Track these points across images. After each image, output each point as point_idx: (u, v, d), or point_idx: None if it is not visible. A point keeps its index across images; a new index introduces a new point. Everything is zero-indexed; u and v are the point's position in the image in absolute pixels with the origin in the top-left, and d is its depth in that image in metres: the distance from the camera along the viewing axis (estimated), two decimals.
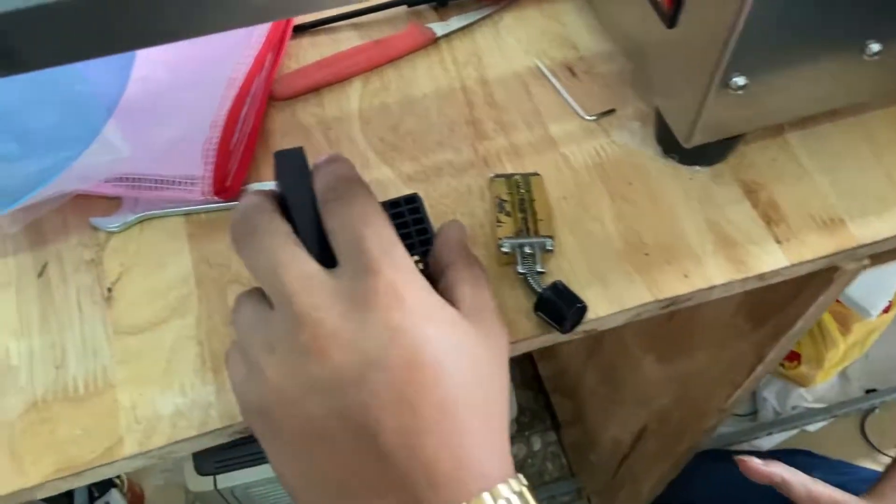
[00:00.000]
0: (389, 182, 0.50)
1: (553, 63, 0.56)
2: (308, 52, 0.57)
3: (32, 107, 0.47)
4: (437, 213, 0.48)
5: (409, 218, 0.46)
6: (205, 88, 0.50)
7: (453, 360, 0.29)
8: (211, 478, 0.93)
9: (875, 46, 0.43)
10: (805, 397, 1.41)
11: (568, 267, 0.47)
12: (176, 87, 0.50)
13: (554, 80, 0.55)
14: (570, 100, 0.54)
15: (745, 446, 1.38)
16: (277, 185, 0.35)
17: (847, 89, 0.46)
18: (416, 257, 0.44)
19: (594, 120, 0.53)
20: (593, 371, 1.01)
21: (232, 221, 0.33)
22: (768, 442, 1.43)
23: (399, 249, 0.31)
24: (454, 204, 0.49)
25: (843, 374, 1.47)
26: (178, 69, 0.51)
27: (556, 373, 1.28)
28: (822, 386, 1.43)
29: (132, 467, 0.41)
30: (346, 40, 0.57)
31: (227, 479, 0.95)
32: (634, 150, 0.52)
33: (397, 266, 0.30)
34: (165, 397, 0.42)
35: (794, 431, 1.46)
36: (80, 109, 0.46)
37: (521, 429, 1.34)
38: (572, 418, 1.19)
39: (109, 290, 0.45)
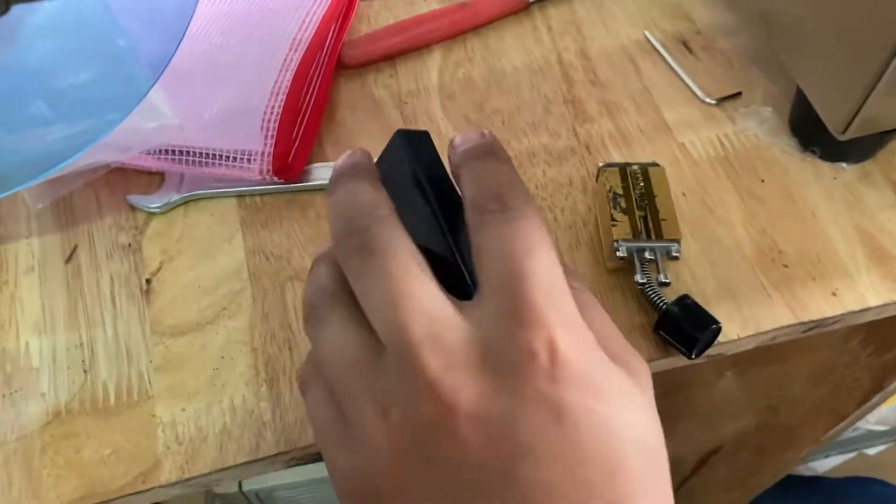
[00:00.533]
0: None
1: (665, 37, 0.48)
2: (381, 15, 0.49)
3: (66, 64, 0.40)
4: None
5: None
6: (266, 50, 0.42)
7: (629, 446, 0.22)
8: (237, 480, 0.87)
9: None
10: (867, 419, 1.31)
11: (690, 278, 0.39)
12: (232, 49, 0.43)
13: (667, 56, 0.47)
14: (686, 79, 0.46)
15: (800, 469, 1.29)
16: (388, 177, 0.27)
17: None
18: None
19: (716, 104, 0.45)
20: (654, 379, 0.93)
21: (333, 217, 0.25)
22: (823, 465, 1.34)
23: (566, 295, 0.23)
24: (552, 197, 0.42)
25: None
26: (235, 28, 0.44)
27: None
28: (885, 408, 1.34)
29: (169, 496, 0.34)
30: (424, 3, 0.50)
31: (254, 482, 0.89)
32: (765, 141, 0.44)
33: (564, 319, 0.22)
34: (212, 414, 0.35)
35: (853, 454, 1.36)
36: (122, 68, 0.39)
37: None
38: None
39: (148, 281, 0.38)
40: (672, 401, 0.91)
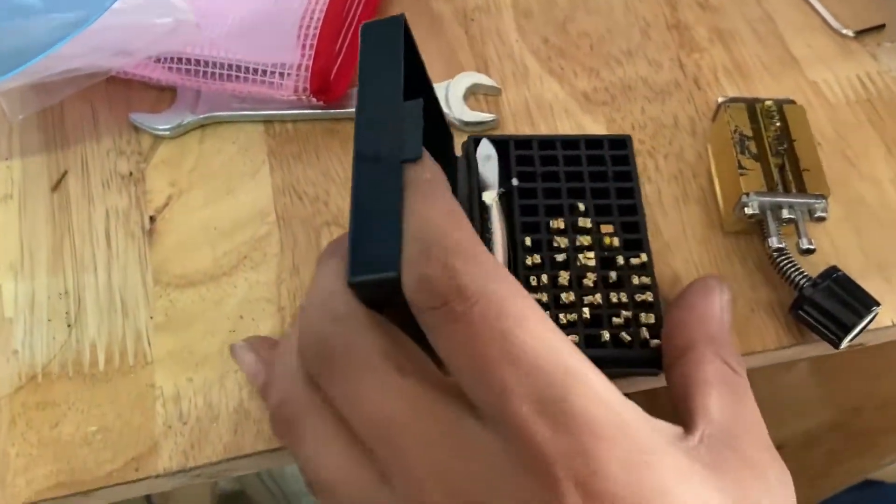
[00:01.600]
0: (557, 102, 0.35)
1: None
2: None
3: None
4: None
5: (610, 170, 0.30)
6: None
7: None
8: (253, 471, 0.81)
9: None
10: None
11: (830, 247, 0.31)
12: None
13: None
14: (818, 6, 0.37)
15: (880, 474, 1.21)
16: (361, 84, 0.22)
17: None
18: (611, 229, 0.29)
19: (854, 37, 0.37)
20: None
21: (302, 332, 0.20)
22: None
23: (580, 387, 0.17)
24: (652, 140, 0.34)
25: None
26: None
27: None
28: None
29: (167, 486, 0.27)
30: None
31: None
32: None
33: (579, 424, 0.17)
34: (225, 387, 0.28)
35: None
36: None
37: None
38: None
39: (153, 219, 0.31)
40: None
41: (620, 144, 0.31)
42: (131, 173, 0.32)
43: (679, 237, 0.31)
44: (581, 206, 0.29)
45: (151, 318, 0.29)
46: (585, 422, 0.16)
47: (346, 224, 0.31)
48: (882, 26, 0.37)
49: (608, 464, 0.16)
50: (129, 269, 0.30)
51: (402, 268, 0.18)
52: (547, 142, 0.31)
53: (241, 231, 0.31)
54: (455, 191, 0.31)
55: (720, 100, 0.32)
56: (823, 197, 0.29)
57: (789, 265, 0.29)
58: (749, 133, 0.31)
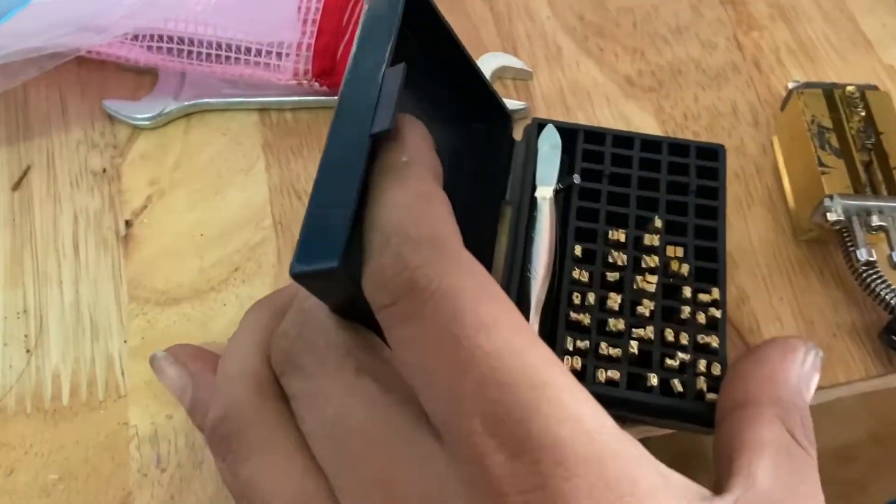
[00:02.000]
0: (596, 88, 0.30)
1: None
2: None
3: None
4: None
5: (693, 183, 0.26)
6: None
7: None
8: None
9: None
10: None
11: None
12: None
13: None
14: None
15: None
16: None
17: None
18: (681, 252, 0.24)
19: None
20: None
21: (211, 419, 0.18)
22: None
23: (548, 406, 0.14)
24: (708, 131, 0.29)
25: None
26: None
27: None
28: None
29: None
30: None
31: None
32: None
33: (540, 449, 0.14)
34: None
35: None
36: None
37: None
38: None
39: (129, 224, 0.27)
40: None
41: (711, 154, 0.26)
42: (105, 170, 0.28)
43: (744, 246, 0.27)
44: (653, 221, 0.25)
45: (125, 341, 0.25)
46: (549, 447, 0.14)
47: None
48: None
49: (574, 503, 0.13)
50: (100, 284, 0.25)
51: (363, 260, 0.16)
52: (624, 139, 0.27)
53: (231, 237, 0.26)
54: (506, 181, 0.26)
55: (791, 85, 0.27)
56: None
57: (880, 282, 0.24)
58: (829, 124, 0.26)
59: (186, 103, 0.28)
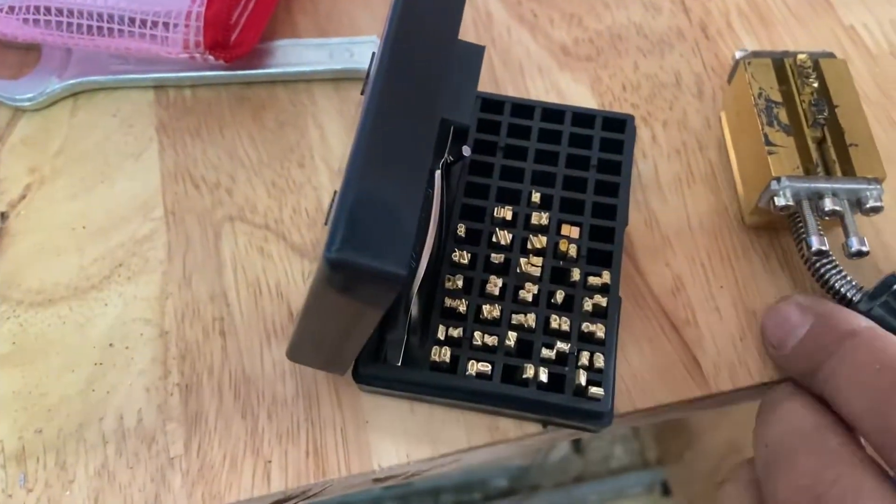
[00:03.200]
0: (528, 57, 0.28)
1: None
2: None
3: None
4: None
5: (595, 156, 0.23)
6: None
7: None
8: None
9: None
10: None
11: (877, 244, 0.24)
12: None
13: None
14: None
15: None
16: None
17: None
18: (576, 233, 0.22)
19: None
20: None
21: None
22: None
23: None
24: (648, 104, 0.27)
25: None
26: None
27: None
28: None
29: None
30: None
31: None
32: None
33: None
34: (86, 440, 0.21)
35: None
36: None
37: None
38: None
39: (4, 216, 0.24)
40: None
41: (618, 125, 0.24)
42: None
43: (682, 229, 0.24)
44: (539, 196, 0.23)
45: None
46: None
47: (256, 220, 0.24)
48: None
49: None
50: None
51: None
52: (524, 107, 0.25)
53: (116, 230, 0.24)
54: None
55: (738, 54, 0.25)
56: (878, 181, 0.22)
57: (834, 272, 0.22)
58: (778, 98, 0.23)
59: (72, 81, 0.26)
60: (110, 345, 0.22)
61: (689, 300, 0.23)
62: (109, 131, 0.26)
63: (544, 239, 0.22)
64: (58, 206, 0.24)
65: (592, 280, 0.22)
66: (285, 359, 0.22)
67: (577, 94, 0.27)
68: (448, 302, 0.21)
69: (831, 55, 0.24)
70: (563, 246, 0.22)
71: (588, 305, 0.21)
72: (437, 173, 0.23)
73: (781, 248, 0.24)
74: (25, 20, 0.25)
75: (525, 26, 0.28)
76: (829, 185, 0.22)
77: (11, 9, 0.25)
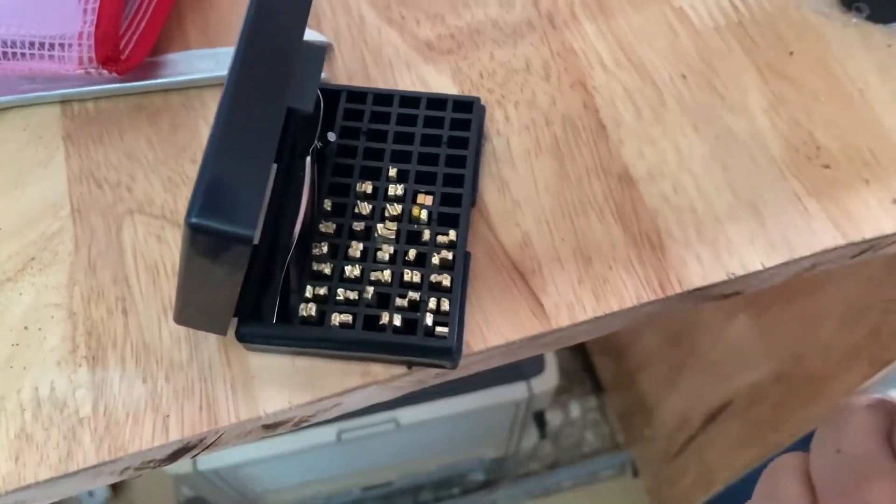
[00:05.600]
0: (396, 54, 0.31)
1: None
2: None
3: None
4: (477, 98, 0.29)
5: (446, 134, 0.27)
6: None
7: None
8: (190, 460, 0.77)
9: None
10: None
11: (694, 189, 0.28)
12: None
13: None
14: None
15: None
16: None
17: None
18: (430, 200, 0.26)
19: None
20: (654, 332, 0.83)
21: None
22: None
23: None
24: (502, 87, 0.30)
25: None
26: None
27: None
28: None
29: None
30: None
31: (209, 460, 0.79)
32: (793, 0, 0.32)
33: None
34: (6, 410, 0.24)
35: None
36: None
37: (556, 392, 1.18)
38: (621, 381, 1.02)
39: None
40: (677, 349, 0.80)
41: (465, 107, 0.28)
42: None
43: (530, 193, 0.28)
44: (395, 171, 0.26)
45: None
46: None
47: (154, 212, 0.27)
48: None
49: None
50: None
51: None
52: (384, 97, 0.28)
53: (29, 229, 0.27)
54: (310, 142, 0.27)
55: None
56: None
57: None
58: None
59: None
60: (25, 328, 0.25)
61: (535, 253, 0.27)
62: (21, 143, 0.29)
63: (399, 207, 0.25)
64: None
65: (441, 238, 0.25)
66: (180, 328, 0.25)
67: (441, 83, 0.30)
68: (315, 266, 0.24)
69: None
70: (416, 212, 0.25)
71: (436, 260, 0.25)
72: (308, 159, 0.26)
73: (615, 202, 0.28)
74: None
75: (394, 27, 0.32)
76: None
77: None
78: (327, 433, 0.82)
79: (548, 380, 0.90)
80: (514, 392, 0.89)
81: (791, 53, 0.31)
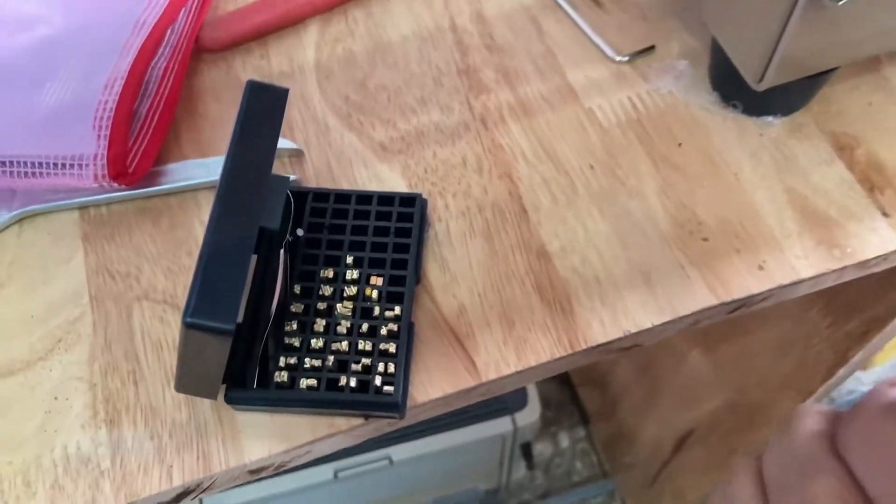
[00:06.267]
0: (356, 155, 0.38)
1: None
2: None
3: None
4: (421, 192, 0.35)
5: (393, 225, 0.33)
6: (103, 36, 0.37)
7: None
8: (197, 499, 0.82)
9: None
10: (862, 380, 1.27)
11: (598, 260, 0.34)
12: (69, 36, 0.38)
13: (572, 12, 0.41)
14: (594, 36, 0.41)
15: None
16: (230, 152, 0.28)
17: None
18: (380, 281, 0.32)
19: (627, 61, 0.40)
20: (627, 362, 0.89)
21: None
22: None
23: None
24: (443, 181, 0.37)
25: None
26: (70, 11, 0.38)
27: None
28: (880, 368, 1.29)
29: None
30: None
31: (215, 501, 0.84)
32: (682, 99, 0.38)
33: None
34: (42, 466, 0.30)
35: None
36: None
37: (545, 424, 1.23)
38: (604, 412, 1.07)
39: None
40: (646, 382, 0.86)
41: (410, 201, 0.34)
42: None
43: (465, 270, 0.34)
44: (352, 259, 0.32)
45: None
46: None
47: (157, 298, 0.34)
48: (652, 48, 0.40)
49: None
50: None
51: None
52: (343, 196, 0.34)
53: (55, 316, 0.33)
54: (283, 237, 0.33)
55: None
56: None
57: None
58: None
59: (17, 212, 0.35)
60: (55, 398, 0.31)
61: (469, 320, 0.33)
62: (47, 245, 0.35)
63: (355, 288, 0.32)
64: (13, 304, 0.33)
65: (388, 313, 0.31)
66: (180, 394, 0.31)
67: (392, 179, 0.37)
68: (287, 339, 0.31)
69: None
70: (368, 291, 0.32)
71: (385, 331, 0.31)
72: (282, 251, 0.32)
73: (534, 274, 0.34)
74: None
75: (353, 132, 0.38)
76: None
77: None
78: (324, 472, 0.87)
79: (531, 413, 0.96)
80: (500, 426, 0.94)
81: (680, 145, 0.37)
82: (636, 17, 0.41)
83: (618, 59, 0.40)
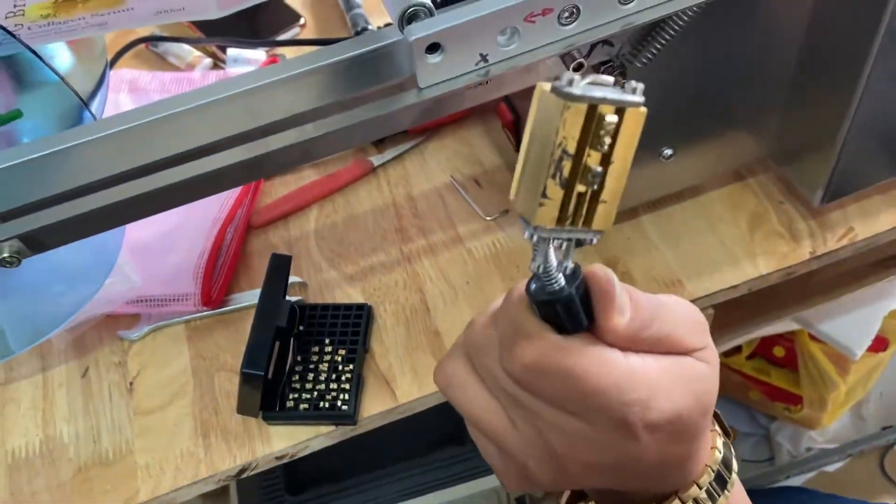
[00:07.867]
0: (335, 282, 0.66)
1: (463, 177, 0.72)
2: (278, 189, 0.74)
3: (68, 252, 0.65)
4: (370, 301, 0.63)
5: (352, 321, 0.61)
6: (198, 226, 0.67)
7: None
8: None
9: (668, 151, 0.57)
10: (816, 438, 1.45)
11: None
12: (177, 226, 0.68)
13: (462, 192, 0.70)
14: (474, 205, 0.69)
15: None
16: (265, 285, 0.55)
17: (657, 183, 0.60)
18: (344, 351, 0.60)
19: (493, 219, 0.68)
20: None
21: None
22: (790, 483, 1.47)
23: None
24: (383, 295, 0.65)
25: (858, 413, 1.51)
26: (181, 213, 0.69)
27: None
28: (834, 426, 1.47)
29: None
30: (307, 177, 0.74)
31: None
32: (522, 240, 0.66)
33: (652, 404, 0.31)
34: (169, 458, 0.57)
35: (813, 473, 1.49)
36: (99, 250, 0.64)
37: None
38: None
39: (131, 383, 0.62)
40: None
41: (362, 308, 0.62)
42: (120, 362, 0.63)
43: (392, 344, 0.61)
44: (328, 340, 0.60)
45: (133, 432, 0.59)
46: None
47: (227, 368, 0.62)
48: (507, 211, 0.68)
49: None
50: (121, 410, 0.60)
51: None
52: (325, 306, 0.63)
53: (174, 382, 0.61)
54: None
55: (567, 101, 0.25)
56: (601, 232, 0.28)
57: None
58: (572, 150, 0.26)
59: (153, 326, 0.64)
60: (175, 424, 0.59)
61: (394, 371, 0.60)
62: (168, 343, 0.64)
63: (329, 356, 0.59)
64: (152, 375, 0.62)
65: (345, 368, 0.58)
66: (240, 415, 0.58)
67: (355, 296, 0.65)
68: (293, 384, 0.58)
69: (638, 105, 0.25)
70: (336, 357, 0.59)
71: (344, 378, 0.58)
72: (291, 339, 0.60)
73: (432, 346, 0.61)
74: (133, 306, 0.64)
75: (334, 269, 0.67)
76: (567, 235, 0.28)
77: (127, 302, 0.64)
78: None
79: None
80: (493, 481, 1.15)
81: (517, 266, 0.64)
82: (499, 192, 0.70)
83: (487, 218, 0.68)
